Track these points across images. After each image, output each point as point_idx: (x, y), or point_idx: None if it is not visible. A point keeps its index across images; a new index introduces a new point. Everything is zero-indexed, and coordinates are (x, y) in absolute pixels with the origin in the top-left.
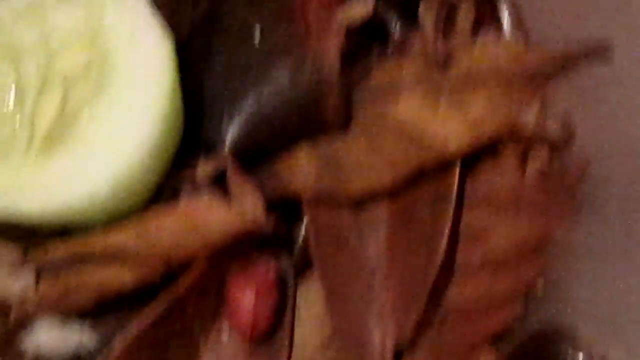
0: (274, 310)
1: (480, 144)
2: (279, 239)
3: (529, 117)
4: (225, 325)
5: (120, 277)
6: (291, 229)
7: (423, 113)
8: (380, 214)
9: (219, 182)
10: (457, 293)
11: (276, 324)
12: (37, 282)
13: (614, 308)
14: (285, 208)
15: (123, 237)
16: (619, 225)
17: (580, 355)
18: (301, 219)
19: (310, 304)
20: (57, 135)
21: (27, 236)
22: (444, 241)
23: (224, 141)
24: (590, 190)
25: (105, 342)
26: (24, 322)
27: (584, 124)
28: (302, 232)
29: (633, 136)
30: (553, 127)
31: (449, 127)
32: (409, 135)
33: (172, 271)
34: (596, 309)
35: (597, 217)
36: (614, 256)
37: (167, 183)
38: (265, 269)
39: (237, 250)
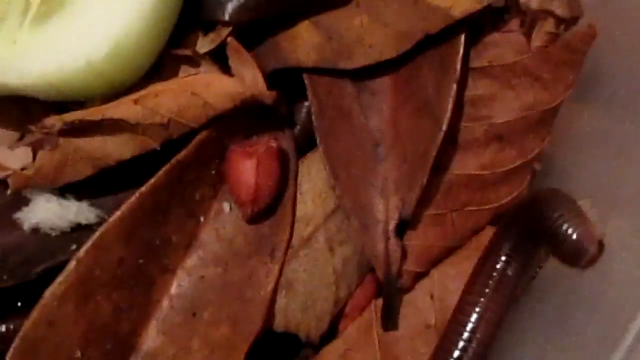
0: (276, 184)
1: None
2: (280, 118)
3: None
4: (226, 201)
5: (119, 146)
6: (293, 108)
7: None
8: (383, 86)
9: (219, 58)
10: (461, 166)
11: (278, 199)
12: (34, 156)
13: (610, 194)
14: (286, 88)
15: (122, 107)
16: (622, 113)
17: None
18: (304, 99)
19: (313, 180)
20: (52, 2)
21: (23, 116)
22: (448, 112)
23: (223, 16)
24: (595, 78)
25: (103, 218)
26: (21, 195)
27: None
28: (304, 110)
29: None
30: (559, 3)
31: None
32: (413, 2)
33: (172, 139)
34: (594, 191)
35: (600, 104)
36: (616, 143)
37: (166, 58)
38: (266, 145)
39: (238, 126)
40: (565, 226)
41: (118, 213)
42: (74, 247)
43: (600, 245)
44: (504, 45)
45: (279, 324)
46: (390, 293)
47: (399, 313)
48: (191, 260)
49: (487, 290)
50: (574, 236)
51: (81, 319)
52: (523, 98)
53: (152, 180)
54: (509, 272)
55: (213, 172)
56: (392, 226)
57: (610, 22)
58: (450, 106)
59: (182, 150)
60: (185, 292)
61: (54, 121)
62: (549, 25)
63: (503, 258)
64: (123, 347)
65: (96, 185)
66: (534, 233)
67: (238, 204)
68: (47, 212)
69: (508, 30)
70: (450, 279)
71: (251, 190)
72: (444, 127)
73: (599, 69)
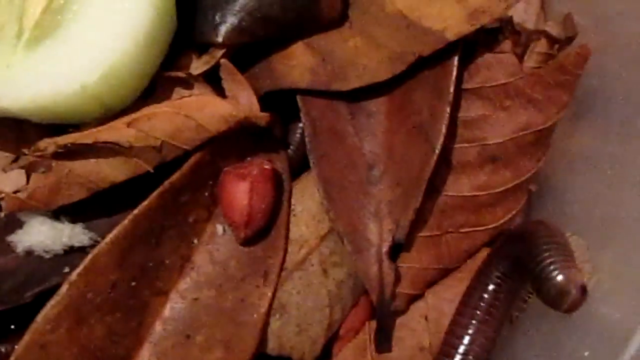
0: (270, 207)
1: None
2: (274, 140)
3: (529, 13)
4: (219, 223)
5: (112, 169)
6: (287, 129)
7: (421, 1)
8: (377, 108)
9: (213, 80)
10: (455, 188)
11: (271, 221)
12: (28, 179)
13: (605, 215)
14: (281, 110)
15: (115, 130)
16: (617, 135)
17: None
18: (298, 120)
19: (307, 202)
20: (46, 26)
21: (18, 139)
22: (442, 134)
23: (217, 38)
24: (590, 100)
25: (97, 240)
26: (15, 217)
27: (587, 25)
28: (298, 132)
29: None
30: (553, 24)
31: (447, 14)
32: (406, 24)
33: (165, 162)
34: (588, 215)
35: (596, 125)
36: (610, 164)
37: (160, 80)
38: (260, 167)
39: (232, 148)
40: (549, 268)
41: (111, 236)
42: (67, 269)
43: (583, 290)
44: (496, 67)
45: (272, 347)
46: (383, 315)
47: (393, 335)
48: (185, 283)
49: (478, 313)
50: (557, 279)
51: (74, 343)
52: (516, 119)
53: (145, 203)
54: (500, 296)
55: (207, 194)
56: (385, 249)
57: (604, 43)
58: (444, 129)
59: (175, 173)
60: (178, 315)
61: (48, 144)
62: (542, 45)
63: (494, 282)
64: None
65: (90, 208)
66: (523, 264)
67: (232, 226)
68: (40, 234)
69: (500, 51)
70: (445, 302)
71: (245, 212)
72: (438, 150)
73: (593, 90)
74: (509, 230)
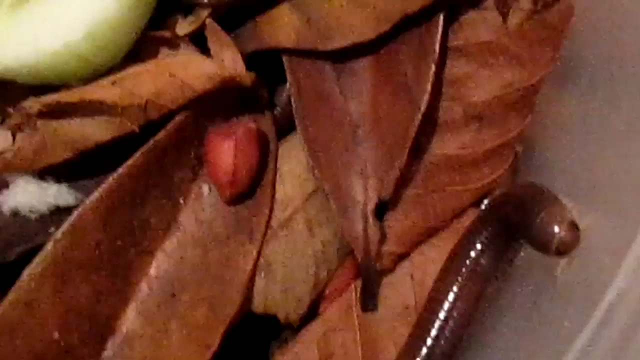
0: (255, 167)
1: None
2: (259, 101)
3: None
4: (205, 184)
5: (97, 129)
6: (273, 91)
7: None
8: (363, 68)
9: (199, 43)
10: (441, 146)
11: (257, 181)
12: (13, 140)
13: (591, 179)
14: (267, 72)
15: (100, 89)
16: (602, 99)
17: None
18: (284, 83)
19: (293, 163)
20: None
21: (3, 101)
22: (427, 92)
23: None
24: (576, 64)
25: (83, 200)
26: (2, 177)
27: None
28: (285, 93)
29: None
30: None
31: None
32: None
33: (151, 122)
34: (573, 180)
35: (581, 90)
36: (595, 129)
37: (145, 41)
38: (245, 127)
39: (217, 108)
40: (537, 213)
41: (95, 195)
42: (52, 229)
43: (574, 227)
44: (480, 24)
45: (258, 306)
46: (368, 274)
47: (378, 294)
48: (170, 243)
49: (463, 274)
50: (544, 218)
51: (59, 301)
52: (500, 77)
53: (129, 162)
54: (486, 258)
55: (192, 154)
56: (370, 207)
57: (590, 6)
58: (429, 87)
59: (160, 132)
60: (164, 275)
61: (33, 103)
62: (527, 2)
63: (480, 244)
64: (102, 329)
65: (76, 169)
66: (511, 224)
67: (217, 185)
68: (26, 194)
69: (484, 9)
70: (430, 261)
71: (229, 171)
72: (423, 108)
73: (579, 54)
74: (498, 193)
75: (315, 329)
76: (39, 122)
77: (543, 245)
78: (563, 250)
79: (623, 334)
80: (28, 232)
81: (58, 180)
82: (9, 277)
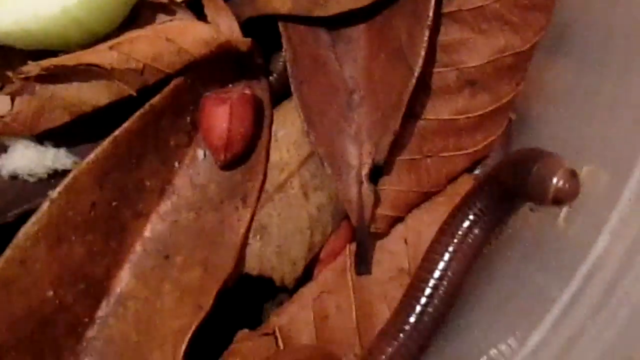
0: (249, 132)
1: None
2: (255, 67)
3: None
4: (200, 148)
5: (95, 93)
6: (270, 59)
7: None
8: (358, 35)
9: (195, 8)
10: (435, 112)
11: (251, 147)
12: (12, 105)
13: (581, 148)
14: (263, 39)
15: (97, 53)
16: (593, 68)
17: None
18: (281, 50)
19: (288, 128)
20: None
21: (3, 65)
22: (421, 57)
23: None
24: (568, 33)
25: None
26: (1, 141)
27: None
28: (281, 60)
29: None
30: None
31: None
32: None
33: (148, 87)
34: (564, 148)
35: (573, 59)
36: (586, 98)
37: (142, 7)
38: (240, 92)
39: (214, 74)
40: (531, 164)
41: (91, 156)
42: (50, 192)
43: (572, 174)
44: None
45: (253, 268)
46: (363, 237)
47: (372, 257)
48: (165, 206)
49: (456, 240)
50: (540, 168)
51: (54, 260)
52: (494, 42)
53: (125, 125)
54: (480, 226)
55: (188, 119)
56: (365, 171)
57: None
58: (423, 52)
59: (156, 96)
60: (158, 237)
61: (31, 67)
62: None
63: (475, 211)
64: (96, 289)
65: (74, 133)
66: (508, 188)
67: (211, 150)
68: (24, 158)
69: None
70: (424, 225)
71: (224, 135)
72: (417, 73)
73: (571, 23)
74: (492, 161)
75: (310, 290)
76: (38, 87)
77: (541, 195)
78: (562, 197)
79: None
80: (26, 194)
81: (56, 144)
82: (7, 238)
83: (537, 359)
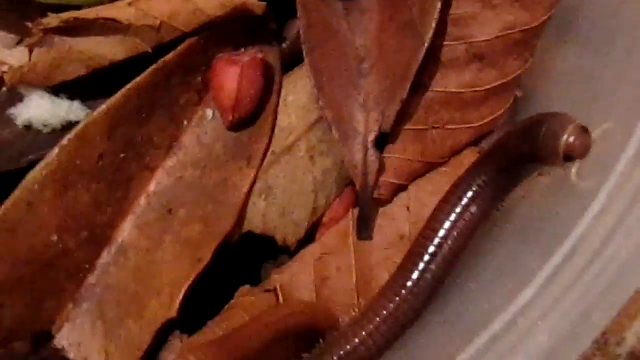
0: (258, 95)
1: None
2: (268, 32)
3: None
4: (209, 108)
5: (111, 47)
6: (283, 26)
7: None
8: (371, 6)
9: None
10: (442, 84)
11: (259, 110)
12: (30, 56)
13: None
14: (277, 5)
15: (116, 8)
16: (597, 52)
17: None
18: (294, 17)
19: (298, 93)
20: None
21: (23, 18)
22: (431, 28)
23: None
24: (573, 16)
25: None
26: (16, 91)
27: None
28: (294, 28)
29: None
30: None
31: None
32: None
33: (163, 43)
34: None
35: (578, 42)
36: (590, 80)
37: None
38: (252, 56)
39: (227, 37)
40: (539, 126)
41: (102, 107)
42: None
43: (583, 130)
44: None
45: (257, 225)
46: (365, 202)
47: (374, 223)
48: (171, 161)
49: (457, 210)
50: (548, 127)
51: (60, 206)
52: (503, 17)
53: (137, 79)
54: (483, 196)
55: (199, 79)
56: (371, 137)
57: None
58: (433, 24)
59: (169, 53)
60: (163, 191)
61: (51, 19)
62: None
63: (479, 183)
64: (99, 237)
65: (88, 87)
66: (517, 154)
67: (220, 110)
68: (39, 108)
69: None
70: (426, 194)
71: (232, 96)
72: (426, 44)
73: (577, 6)
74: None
75: (312, 251)
76: (56, 39)
77: (552, 153)
78: (574, 152)
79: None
80: (39, 144)
81: (71, 96)
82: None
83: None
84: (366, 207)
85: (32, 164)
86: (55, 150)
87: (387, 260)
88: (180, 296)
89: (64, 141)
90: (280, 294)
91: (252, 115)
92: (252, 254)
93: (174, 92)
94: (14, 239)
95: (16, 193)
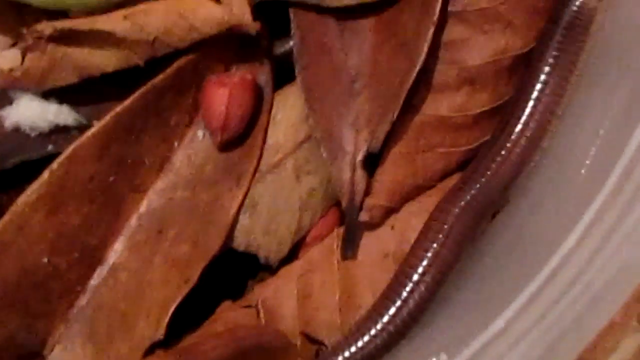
0: (247, 116)
1: None
2: (260, 51)
3: None
4: (200, 129)
5: (104, 58)
6: (274, 43)
7: None
8: (366, 28)
9: None
10: (433, 107)
11: (249, 130)
12: (23, 60)
13: None
14: (271, 22)
15: (112, 20)
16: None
17: None
18: (287, 35)
19: (288, 111)
20: None
21: (18, 22)
22: (424, 52)
23: None
24: None
25: (82, 122)
26: (7, 94)
27: None
28: (285, 46)
29: None
30: None
31: None
32: None
33: (155, 57)
34: None
35: None
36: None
37: None
38: (241, 76)
39: (218, 57)
40: None
41: (92, 130)
42: (50, 147)
43: None
44: None
45: (240, 243)
46: (351, 222)
47: (359, 243)
48: (162, 182)
49: (445, 229)
50: None
51: (50, 228)
52: (495, 43)
53: (127, 102)
54: (469, 215)
55: (189, 100)
56: (359, 158)
57: None
58: (426, 47)
59: (158, 75)
60: (153, 212)
61: (45, 26)
62: None
63: (465, 200)
64: (90, 258)
65: (78, 94)
66: None
67: (210, 131)
68: (28, 110)
69: None
70: (412, 215)
71: (222, 117)
72: (418, 66)
73: None
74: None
75: (295, 268)
76: (50, 46)
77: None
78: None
79: None
80: (26, 146)
81: (60, 101)
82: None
83: None
84: (352, 227)
85: (17, 166)
86: (46, 173)
87: (371, 277)
88: (167, 318)
89: (54, 165)
90: (261, 310)
91: (242, 135)
92: (236, 269)
93: (165, 113)
94: (5, 260)
95: (6, 217)
